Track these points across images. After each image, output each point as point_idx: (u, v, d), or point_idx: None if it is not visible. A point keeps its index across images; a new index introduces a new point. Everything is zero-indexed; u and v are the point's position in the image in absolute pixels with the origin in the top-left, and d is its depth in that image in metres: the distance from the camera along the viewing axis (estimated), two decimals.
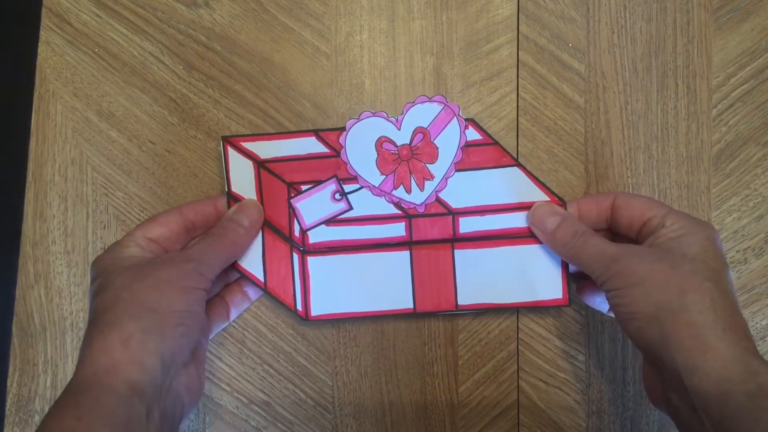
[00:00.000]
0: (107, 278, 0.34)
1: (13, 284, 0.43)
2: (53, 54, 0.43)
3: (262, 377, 0.42)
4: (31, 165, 0.43)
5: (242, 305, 0.42)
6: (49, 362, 0.42)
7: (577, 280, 0.41)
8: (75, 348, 0.42)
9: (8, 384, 0.42)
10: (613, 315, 0.40)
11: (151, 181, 0.43)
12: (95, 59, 0.43)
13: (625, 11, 0.43)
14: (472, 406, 0.42)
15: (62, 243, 0.43)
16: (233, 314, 0.41)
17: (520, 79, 0.43)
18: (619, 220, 0.38)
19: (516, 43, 0.43)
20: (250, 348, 0.43)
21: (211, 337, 0.41)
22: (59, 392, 0.42)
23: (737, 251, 0.42)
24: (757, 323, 0.42)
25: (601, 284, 0.35)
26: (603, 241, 0.36)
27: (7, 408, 0.42)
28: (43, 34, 0.43)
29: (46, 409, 0.42)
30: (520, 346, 0.42)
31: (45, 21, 0.43)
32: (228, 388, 0.42)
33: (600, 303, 0.40)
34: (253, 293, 0.42)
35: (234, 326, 0.43)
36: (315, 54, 0.43)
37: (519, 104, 0.43)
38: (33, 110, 0.43)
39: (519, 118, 0.43)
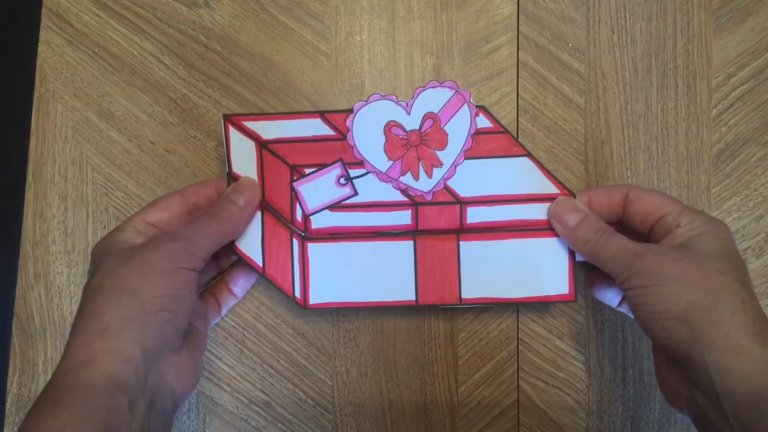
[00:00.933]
0: (98, 264, 0.34)
1: (13, 284, 0.43)
2: (53, 54, 0.43)
3: (262, 377, 0.42)
4: (31, 165, 0.43)
5: (230, 302, 0.42)
6: (49, 362, 0.42)
7: (586, 273, 0.41)
8: None
9: (8, 384, 0.42)
10: (621, 310, 0.40)
11: (151, 181, 0.43)
12: (95, 59, 0.43)
13: (625, 11, 0.43)
14: (472, 406, 0.42)
15: (62, 243, 0.43)
16: (224, 310, 0.41)
17: (520, 79, 0.43)
18: (632, 215, 0.37)
19: (516, 43, 0.43)
20: (250, 348, 0.43)
21: (209, 327, 0.41)
22: None
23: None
24: None
25: (621, 282, 0.35)
26: (625, 239, 0.36)
27: (7, 408, 0.42)
28: (43, 34, 0.43)
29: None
30: (520, 346, 0.42)
31: (45, 21, 0.43)
32: (228, 388, 0.42)
33: (611, 298, 0.40)
34: (239, 290, 0.42)
35: (234, 326, 0.43)
36: (315, 54, 0.43)
37: (519, 104, 0.43)
38: (33, 110, 0.43)
39: (519, 118, 0.43)
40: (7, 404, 0.42)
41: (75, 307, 0.42)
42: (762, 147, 0.43)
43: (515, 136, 0.43)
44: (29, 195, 0.43)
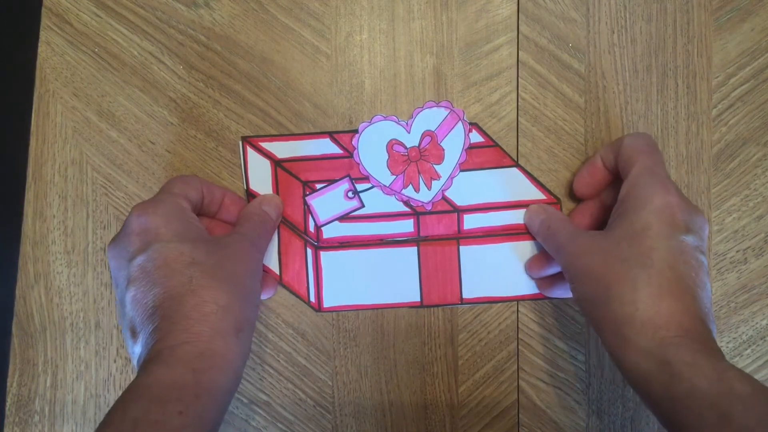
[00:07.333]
0: (200, 258, 0.34)
1: (13, 284, 0.43)
2: (53, 54, 0.43)
3: (262, 377, 0.42)
4: (31, 165, 0.43)
5: None
6: (49, 362, 0.42)
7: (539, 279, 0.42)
8: (75, 348, 0.42)
9: (8, 384, 0.42)
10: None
11: (151, 181, 0.43)
12: (95, 59, 0.43)
13: (625, 11, 0.43)
14: (472, 406, 0.42)
15: (62, 243, 0.43)
16: None
17: (520, 79, 0.43)
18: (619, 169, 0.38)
19: (516, 43, 0.43)
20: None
21: None
22: (59, 392, 0.42)
23: (737, 251, 0.42)
24: (757, 323, 0.42)
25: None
26: (567, 234, 0.37)
27: (7, 408, 0.42)
28: (43, 34, 0.43)
29: (46, 409, 0.42)
30: (520, 346, 0.42)
31: (45, 21, 0.43)
32: None
33: (563, 293, 0.41)
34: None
35: None
36: (315, 54, 0.43)
37: (519, 104, 0.43)
38: (33, 110, 0.43)
39: (519, 118, 0.43)
40: (7, 404, 0.42)
41: (75, 307, 0.42)
42: (762, 147, 0.43)
43: (515, 136, 0.43)
44: (29, 195, 0.43)
